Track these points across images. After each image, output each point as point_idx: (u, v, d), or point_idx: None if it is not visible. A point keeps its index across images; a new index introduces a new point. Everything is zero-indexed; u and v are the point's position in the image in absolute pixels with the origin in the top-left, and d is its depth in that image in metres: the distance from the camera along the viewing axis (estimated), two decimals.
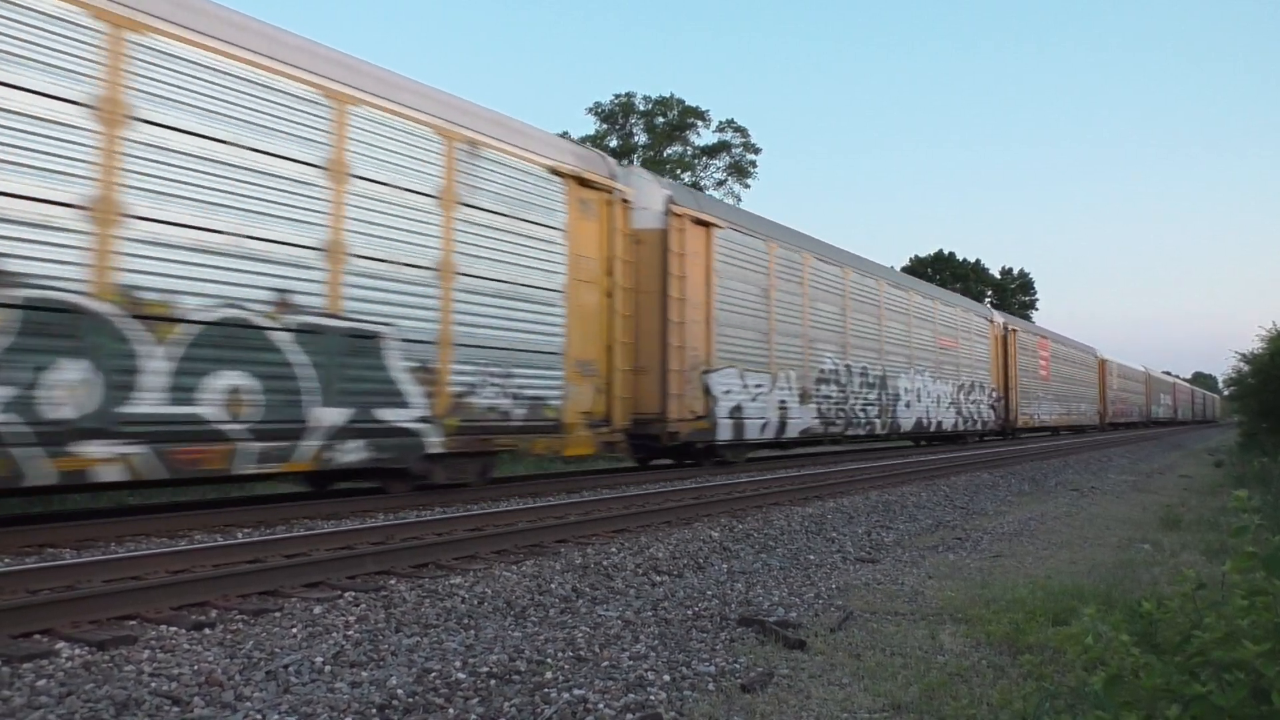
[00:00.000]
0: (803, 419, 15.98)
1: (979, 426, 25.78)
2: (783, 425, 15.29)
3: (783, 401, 15.37)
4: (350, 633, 4.28)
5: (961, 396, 24.39)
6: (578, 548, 6.75)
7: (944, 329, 23.66)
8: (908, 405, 20.83)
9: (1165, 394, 68.29)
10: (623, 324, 11.80)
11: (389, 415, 8.70)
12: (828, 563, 6.44)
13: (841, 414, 17.55)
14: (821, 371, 16.85)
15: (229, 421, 7.29)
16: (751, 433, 14.42)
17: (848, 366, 17.96)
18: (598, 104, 45.37)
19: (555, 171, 10.79)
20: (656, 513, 8.42)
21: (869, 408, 18.76)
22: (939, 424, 22.60)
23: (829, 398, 17.09)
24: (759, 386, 14.79)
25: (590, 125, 46.19)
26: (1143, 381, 57.72)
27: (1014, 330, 29.89)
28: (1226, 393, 35.38)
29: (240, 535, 7.03)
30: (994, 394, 27.14)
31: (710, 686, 3.52)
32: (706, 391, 13.34)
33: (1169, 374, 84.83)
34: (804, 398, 16.13)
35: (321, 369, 8.04)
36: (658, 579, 5.81)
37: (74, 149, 6.46)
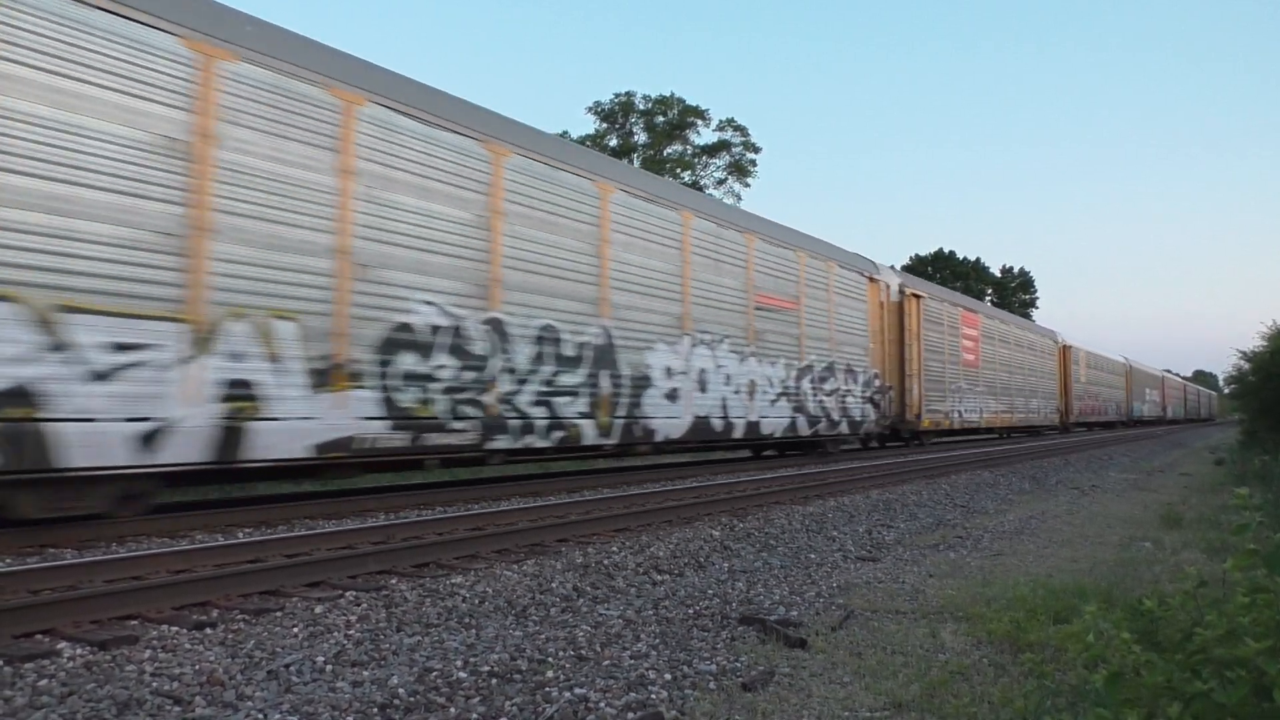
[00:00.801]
0: (323, 421, 8.04)
1: (844, 429, 17.32)
2: (232, 437, 7.31)
3: (237, 383, 7.37)
4: (351, 632, 4.28)
5: (806, 385, 16.10)
6: (579, 547, 6.75)
7: (769, 279, 15.31)
8: (673, 395, 12.46)
9: (1151, 389, 59.76)
10: None
11: None
12: (829, 561, 6.44)
13: (468, 407, 9.46)
14: (405, 328, 8.87)
15: None
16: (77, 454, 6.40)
17: (495, 323, 9.84)
18: (597, 103, 45.49)
19: None
20: (657, 512, 8.42)
21: (560, 398, 10.56)
22: (754, 424, 14.35)
23: (426, 378, 9.03)
24: (125, 350, 6.67)
25: (590, 125, 46.27)
26: (1122, 374, 49.22)
27: (916, 296, 21.25)
28: (1227, 391, 33.54)
29: (241, 535, 7.03)
30: (876, 382, 18.81)
31: (711, 685, 3.52)
32: None
33: (1170, 372, 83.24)
34: (332, 378, 8.13)
35: None
36: (659, 578, 5.81)
37: None
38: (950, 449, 22.23)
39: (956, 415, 23.78)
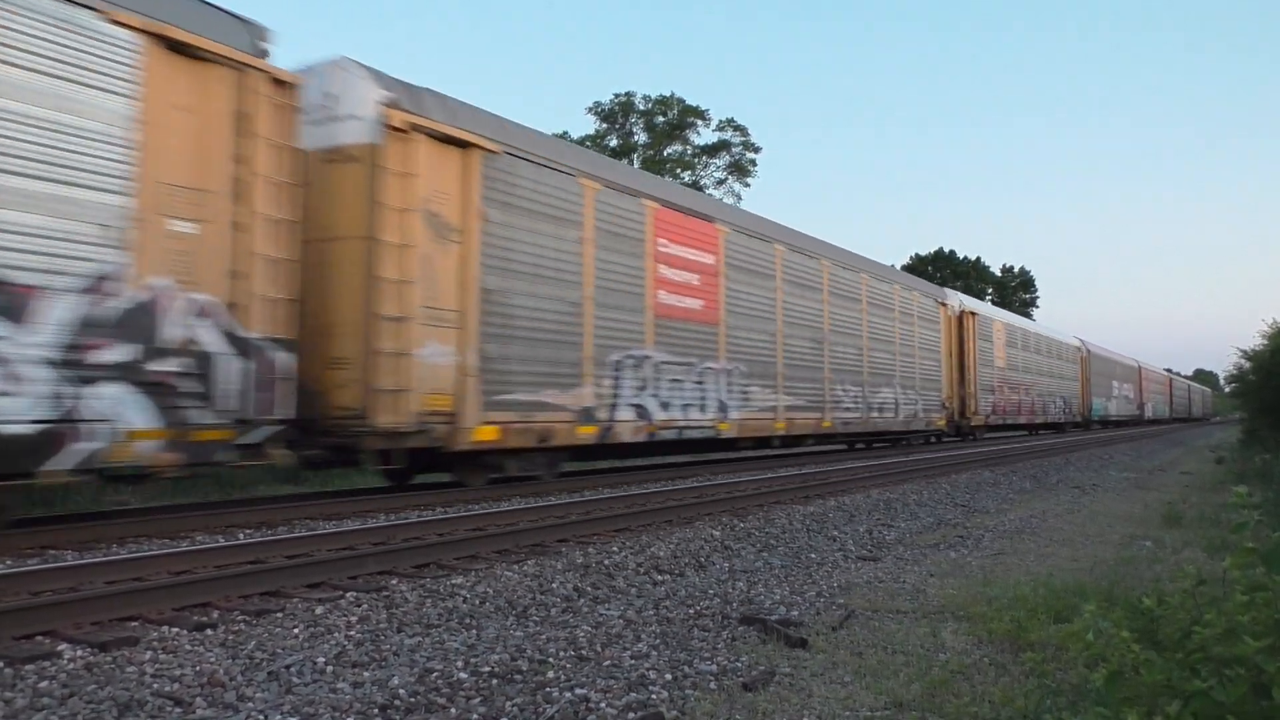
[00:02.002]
0: None
1: None
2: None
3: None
4: (352, 633, 4.28)
5: None
6: (579, 547, 6.75)
7: None
8: None
9: (1123, 382, 48.06)
10: None
11: None
12: (829, 561, 6.44)
13: None
14: None
15: None
16: None
17: None
18: (598, 103, 45.46)
19: None
20: (658, 512, 8.42)
21: None
22: None
23: None
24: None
25: (590, 125, 46.25)
26: (1074, 360, 37.77)
27: (450, 140, 9.48)
28: (1228, 389, 32.33)
29: (242, 536, 7.03)
30: (201, 335, 7.08)
31: (712, 685, 3.52)
32: None
33: (1172, 372, 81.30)
34: None
35: None
36: (659, 578, 5.81)
37: None
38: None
39: (634, 417, 11.76)
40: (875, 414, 18.98)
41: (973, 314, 25.55)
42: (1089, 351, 40.48)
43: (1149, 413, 55.72)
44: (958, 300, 25.27)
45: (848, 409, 17.84)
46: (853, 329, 18.45)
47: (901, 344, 20.79)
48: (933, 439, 23.62)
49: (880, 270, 20.75)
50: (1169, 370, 79.22)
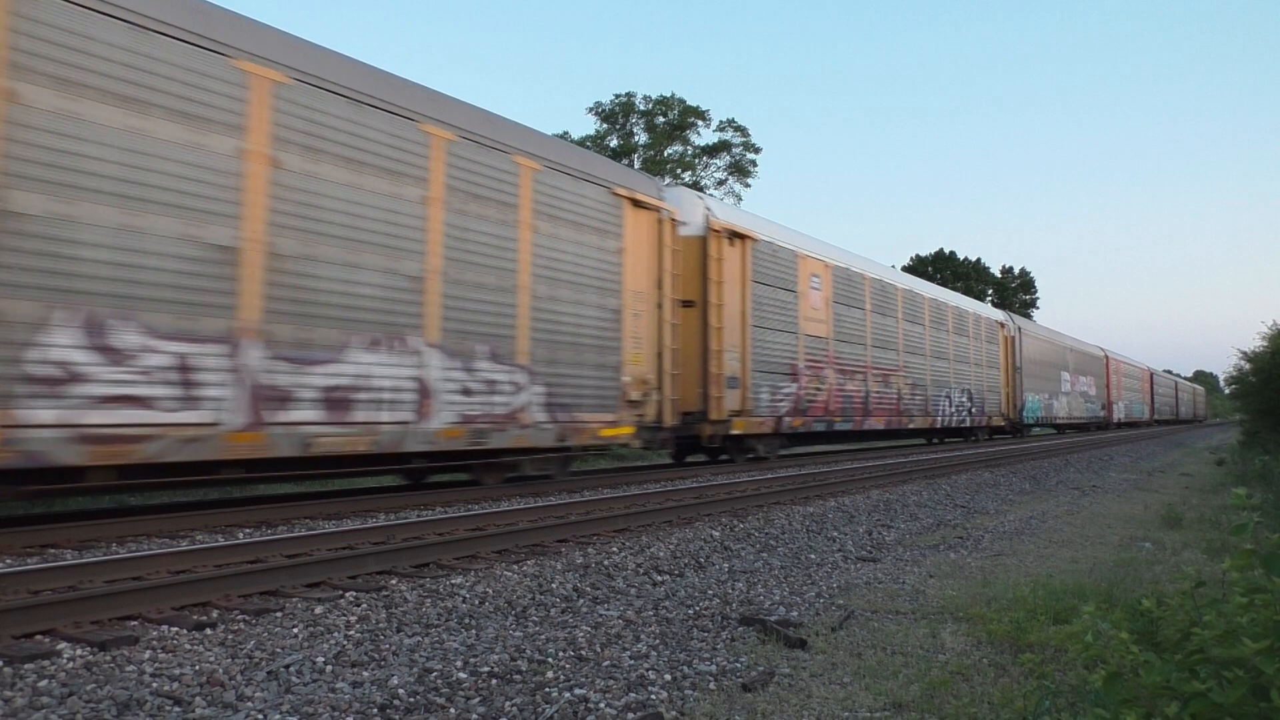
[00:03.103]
0: None
1: None
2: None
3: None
4: (351, 632, 4.28)
5: None
6: (579, 547, 6.75)
7: None
8: None
9: (1079, 375, 36.86)
10: None
11: None
12: (829, 562, 6.44)
13: None
14: None
15: None
16: None
17: None
18: (598, 104, 45.39)
19: None
20: (658, 512, 8.42)
21: None
22: None
23: None
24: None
25: (591, 125, 46.28)
26: (995, 341, 27.51)
27: None
28: (1228, 390, 31.38)
29: (241, 535, 7.04)
30: None
31: (711, 686, 3.53)
32: None
33: (1171, 373, 79.95)
34: None
35: None
36: (659, 578, 5.81)
37: None
38: None
39: None
40: (292, 414, 7.80)
41: (740, 236, 14.48)
42: (1019, 331, 29.75)
43: (1120, 414, 44.71)
44: (701, 208, 13.99)
45: (113, 398, 6.70)
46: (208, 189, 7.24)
47: (476, 262, 9.75)
48: (652, 463, 15.02)
49: (374, 82, 8.75)
50: (1168, 372, 77.92)
